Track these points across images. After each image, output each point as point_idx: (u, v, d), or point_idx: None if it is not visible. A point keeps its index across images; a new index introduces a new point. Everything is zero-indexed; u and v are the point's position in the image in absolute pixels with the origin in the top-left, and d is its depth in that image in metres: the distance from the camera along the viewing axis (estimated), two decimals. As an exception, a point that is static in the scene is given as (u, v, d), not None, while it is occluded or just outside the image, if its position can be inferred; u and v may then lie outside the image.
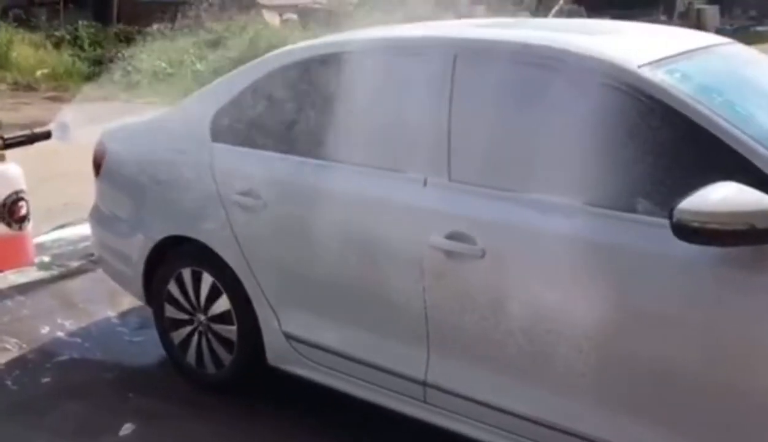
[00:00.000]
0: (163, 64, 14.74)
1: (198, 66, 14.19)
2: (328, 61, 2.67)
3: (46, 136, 4.44)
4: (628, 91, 2.05)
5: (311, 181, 2.61)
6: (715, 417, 1.92)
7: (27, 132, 4.34)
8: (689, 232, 1.79)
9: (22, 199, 4.05)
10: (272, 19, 17.49)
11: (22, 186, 4.11)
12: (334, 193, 2.54)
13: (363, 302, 2.52)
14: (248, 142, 2.82)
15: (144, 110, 11.06)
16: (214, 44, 16.25)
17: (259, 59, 2.91)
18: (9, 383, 3.18)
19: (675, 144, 2.00)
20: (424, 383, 2.39)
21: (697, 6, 18.87)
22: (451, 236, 2.25)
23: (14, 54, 15.45)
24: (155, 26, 17.61)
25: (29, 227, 4.17)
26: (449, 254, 2.26)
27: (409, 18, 3.27)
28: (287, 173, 2.68)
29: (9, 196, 4.01)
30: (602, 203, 2.04)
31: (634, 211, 2.00)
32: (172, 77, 13.86)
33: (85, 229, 4.94)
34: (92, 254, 4.26)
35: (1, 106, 11.35)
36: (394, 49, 2.58)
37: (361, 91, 2.58)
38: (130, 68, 14.58)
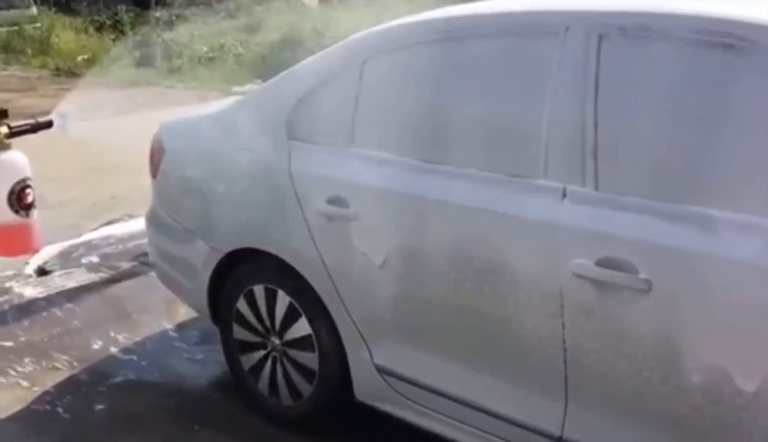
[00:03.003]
0: (204, 49, 14.47)
1: (239, 49, 13.88)
2: (435, 43, 2.22)
3: (49, 125, 4.28)
4: None
5: (413, 188, 2.17)
6: None
7: (31, 121, 4.19)
8: None
9: (28, 186, 3.93)
10: (310, 0, 17.11)
11: (28, 174, 3.97)
12: (444, 204, 2.11)
13: (480, 337, 2.09)
14: (334, 139, 2.40)
15: (185, 96, 10.73)
16: (254, 28, 15.94)
17: (345, 42, 2.46)
18: (60, 410, 2.84)
19: None
20: (559, 440, 1.95)
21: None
22: (603, 263, 1.80)
23: (56, 39, 15.34)
24: (194, 9, 17.37)
25: (35, 214, 4.01)
26: (600, 284, 1.81)
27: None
28: (383, 177, 2.25)
29: (17, 183, 3.89)
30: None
31: None
32: (214, 61, 13.57)
33: (135, 225, 4.63)
34: (144, 254, 3.94)
35: (44, 93, 11.18)
36: (517, 28, 2.10)
37: (478, 79, 2.13)
38: (170, 53, 14.35)
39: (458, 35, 2.18)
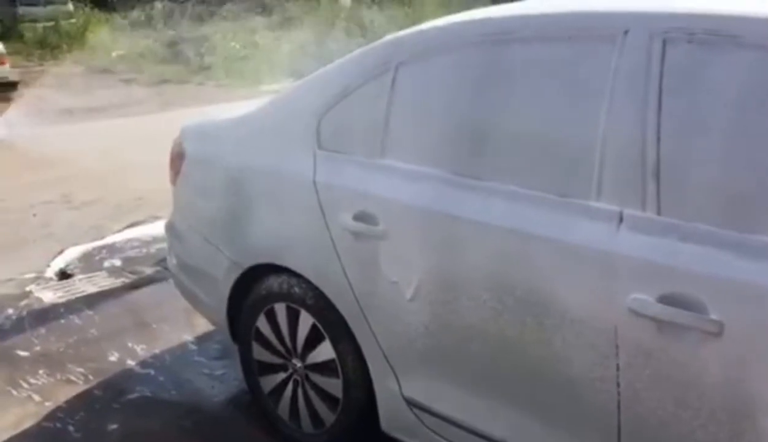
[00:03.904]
0: (237, 46, 14.44)
1: (272, 47, 13.80)
2: (475, 47, 2.01)
3: None
4: None
5: (449, 206, 1.97)
6: None
7: None
8: None
9: None
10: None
11: None
12: (483, 225, 1.90)
13: (521, 375, 1.88)
14: (362, 149, 2.20)
15: (215, 93, 10.68)
16: (287, 24, 15.88)
17: (377, 44, 2.27)
18: (72, 429, 2.70)
19: None
20: (610, 494, 1.74)
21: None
22: (666, 300, 1.58)
23: (91, 35, 15.47)
24: (227, 6, 17.37)
25: None
26: (662, 324, 1.59)
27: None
28: (415, 193, 2.05)
29: None
30: None
31: None
32: (246, 59, 13.53)
33: (160, 228, 4.51)
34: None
35: (76, 90, 11.19)
36: (568, 31, 1.88)
37: (524, 88, 1.92)
38: (203, 50, 14.36)
39: (501, 39, 1.97)
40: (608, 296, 1.66)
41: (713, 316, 1.52)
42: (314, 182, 2.27)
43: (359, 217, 2.15)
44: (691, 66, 1.65)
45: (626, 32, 1.74)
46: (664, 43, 1.68)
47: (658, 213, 1.64)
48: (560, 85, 1.86)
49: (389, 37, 2.29)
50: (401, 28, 2.33)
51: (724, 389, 1.53)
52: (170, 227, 2.99)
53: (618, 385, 1.67)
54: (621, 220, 1.68)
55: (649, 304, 1.60)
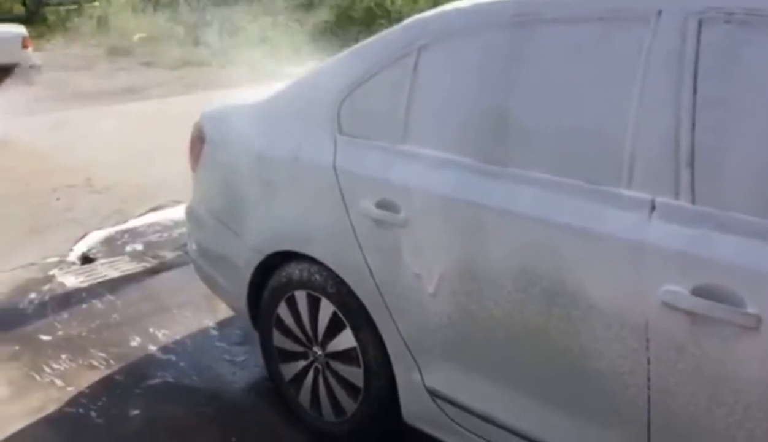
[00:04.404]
0: (259, 28, 14.37)
1: (295, 29, 13.72)
2: (501, 28, 1.94)
3: None
4: None
5: (473, 194, 1.92)
6: None
7: None
8: None
9: None
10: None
11: None
12: (508, 213, 1.84)
13: (546, 367, 1.83)
14: (384, 135, 2.15)
15: (237, 76, 10.67)
16: (310, 6, 15.77)
17: (399, 26, 2.21)
18: (94, 414, 2.71)
19: None
20: (637, 491, 1.69)
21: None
22: (700, 292, 1.52)
23: (113, 18, 15.51)
24: (250, -12, 17.26)
25: None
26: (696, 317, 1.53)
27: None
28: (437, 180, 2.00)
29: None
30: None
31: None
32: (268, 41, 13.46)
33: (181, 212, 4.50)
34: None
35: (99, 73, 11.25)
36: (599, 12, 1.79)
37: (553, 71, 1.85)
38: (225, 32, 14.32)
39: (528, 20, 1.90)
40: (639, 288, 1.60)
41: (750, 309, 1.46)
42: (335, 168, 2.23)
43: (380, 204, 2.10)
44: (729, 48, 1.57)
45: (660, 12, 1.66)
46: (700, 23, 1.60)
47: (693, 202, 1.58)
48: (590, 68, 1.79)
49: (411, 19, 2.22)
50: (425, 9, 2.28)
51: (761, 385, 1.47)
52: (190, 213, 2.97)
53: (648, 379, 1.62)
54: (653, 208, 1.62)
55: (683, 296, 1.54)
